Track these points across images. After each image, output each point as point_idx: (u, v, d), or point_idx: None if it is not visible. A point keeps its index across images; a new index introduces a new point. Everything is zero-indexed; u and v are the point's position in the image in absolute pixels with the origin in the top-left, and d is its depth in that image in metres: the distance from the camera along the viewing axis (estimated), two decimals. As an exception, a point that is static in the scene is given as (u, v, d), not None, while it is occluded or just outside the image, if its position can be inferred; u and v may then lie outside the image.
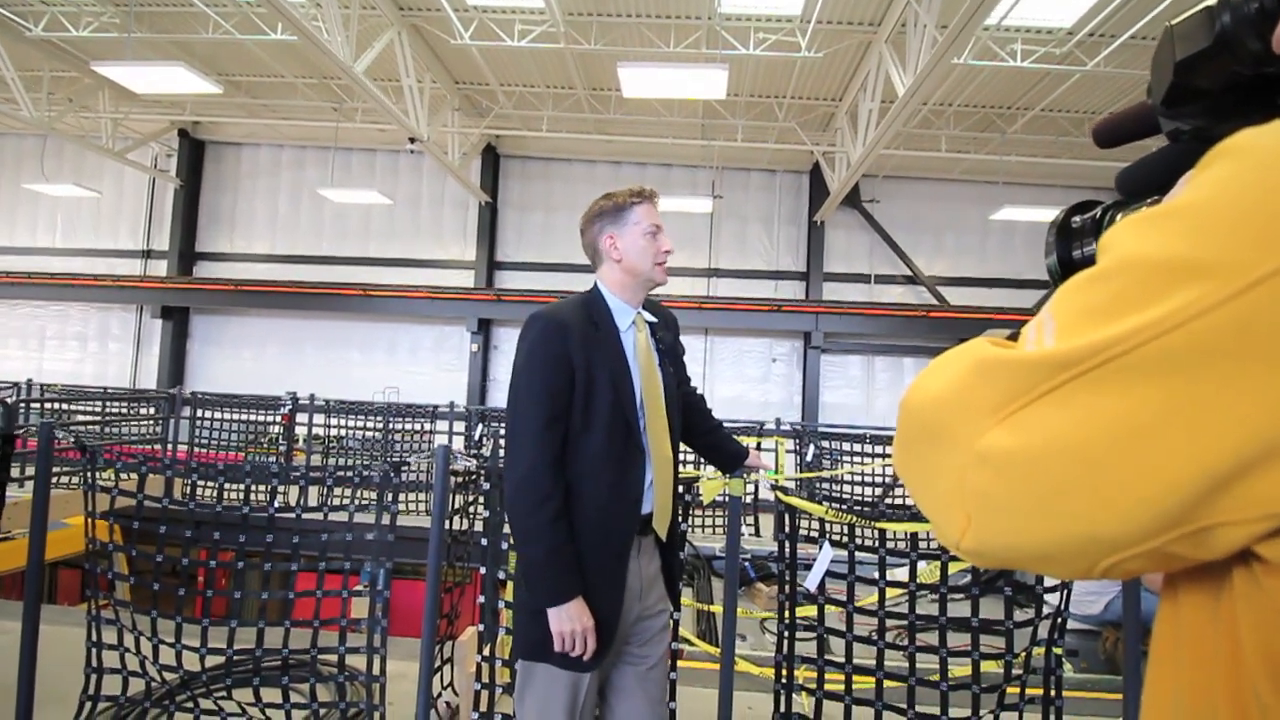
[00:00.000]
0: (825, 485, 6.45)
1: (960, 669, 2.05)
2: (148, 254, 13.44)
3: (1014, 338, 0.41)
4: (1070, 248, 0.55)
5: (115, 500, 2.26)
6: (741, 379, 12.52)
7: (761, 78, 9.80)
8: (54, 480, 5.52)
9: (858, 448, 6.57)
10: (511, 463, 1.55)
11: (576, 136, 11.32)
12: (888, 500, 6.65)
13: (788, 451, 6.52)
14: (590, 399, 1.57)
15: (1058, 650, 2.05)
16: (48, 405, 7.81)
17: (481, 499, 2.35)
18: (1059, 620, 2.04)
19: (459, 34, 8.22)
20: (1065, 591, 2.04)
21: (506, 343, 12.80)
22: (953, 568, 2.04)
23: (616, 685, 1.66)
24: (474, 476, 2.38)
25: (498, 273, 12.91)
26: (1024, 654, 2.03)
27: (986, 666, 2.02)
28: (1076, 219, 0.56)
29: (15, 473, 4.79)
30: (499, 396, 12.52)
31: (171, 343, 12.92)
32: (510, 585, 2.24)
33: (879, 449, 6.59)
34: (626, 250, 1.70)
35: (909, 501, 6.86)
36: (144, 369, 13.28)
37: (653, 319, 1.78)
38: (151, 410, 7.99)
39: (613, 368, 1.61)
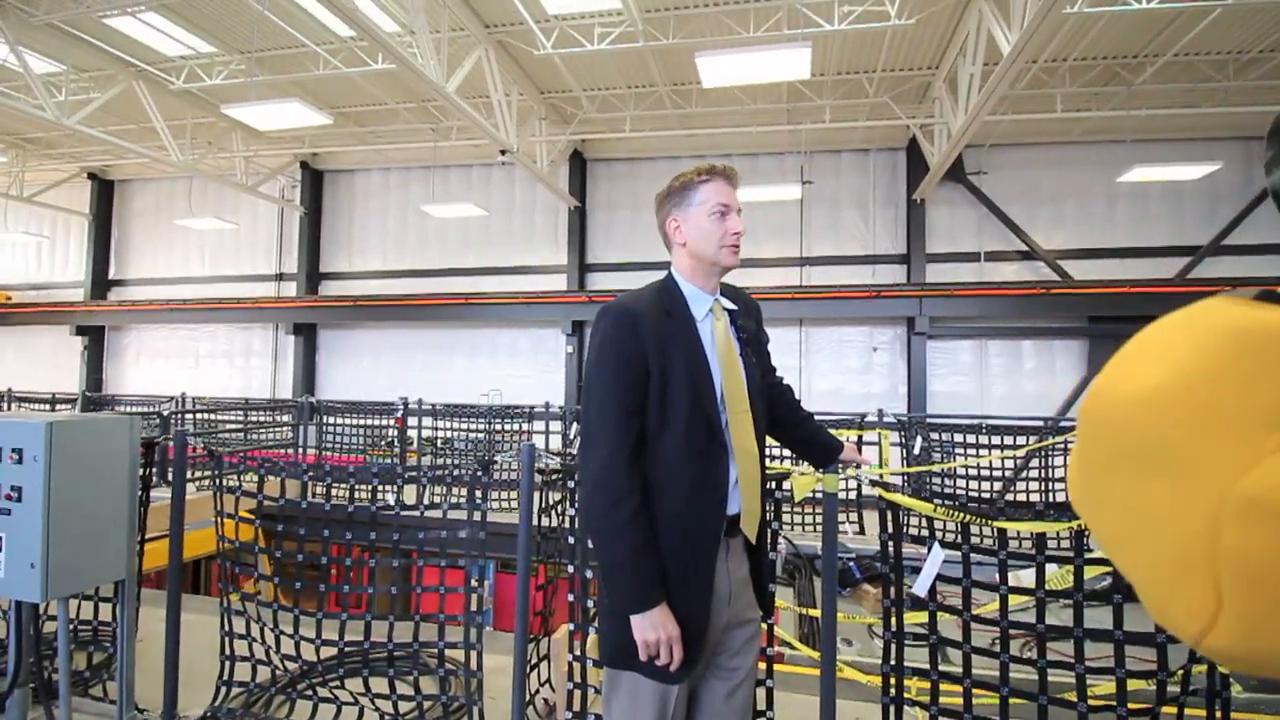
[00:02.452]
0: (936, 480, 6.03)
1: (1102, 687, 1.80)
2: (280, 277, 14.79)
3: (1270, 297, 0.26)
4: None
5: (239, 500, 2.46)
6: (841, 370, 12.01)
7: (849, 53, 9.33)
8: (203, 482, 6.19)
9: (971, 439, 6.10)
10: (586, 461, 1.49)
11: (660, 134, 11.29)
12: (1008, 496, 6.13)
13: (892, 444, 6.15)
14: (666, 393, 1.48)
15: (1224, 669, 1.76)
16: (198, 416, 8.76)
17: (569, 496, 2.35)
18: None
19: (541, 44, 8.41)
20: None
21: (600, 343, 12.96)
22: (1089, 571, 1.79)
23: (703, 701, 1.55)
24: (559, 475, 2.38)
25: (589, 274, 13.14)
26: (1181, 671, 1.76)
27: (1134, 685, 1.77)
28: None
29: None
30: (595, 396, 12.70)
31: (303, 356, 14.15)
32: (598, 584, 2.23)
33: (995, 440, 6.09)
34: (690, 233, 1.61)
35: (1033, 496, 6.29)
36: (281, 380, 14.62)
37: (732, 306, 1.68)
38: (286, 418, 8.77)
39: (689, 359, 1.51)
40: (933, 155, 10.28)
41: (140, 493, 2.25)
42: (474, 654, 2.24)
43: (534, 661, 2.44)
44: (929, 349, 11.42)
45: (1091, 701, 1.76)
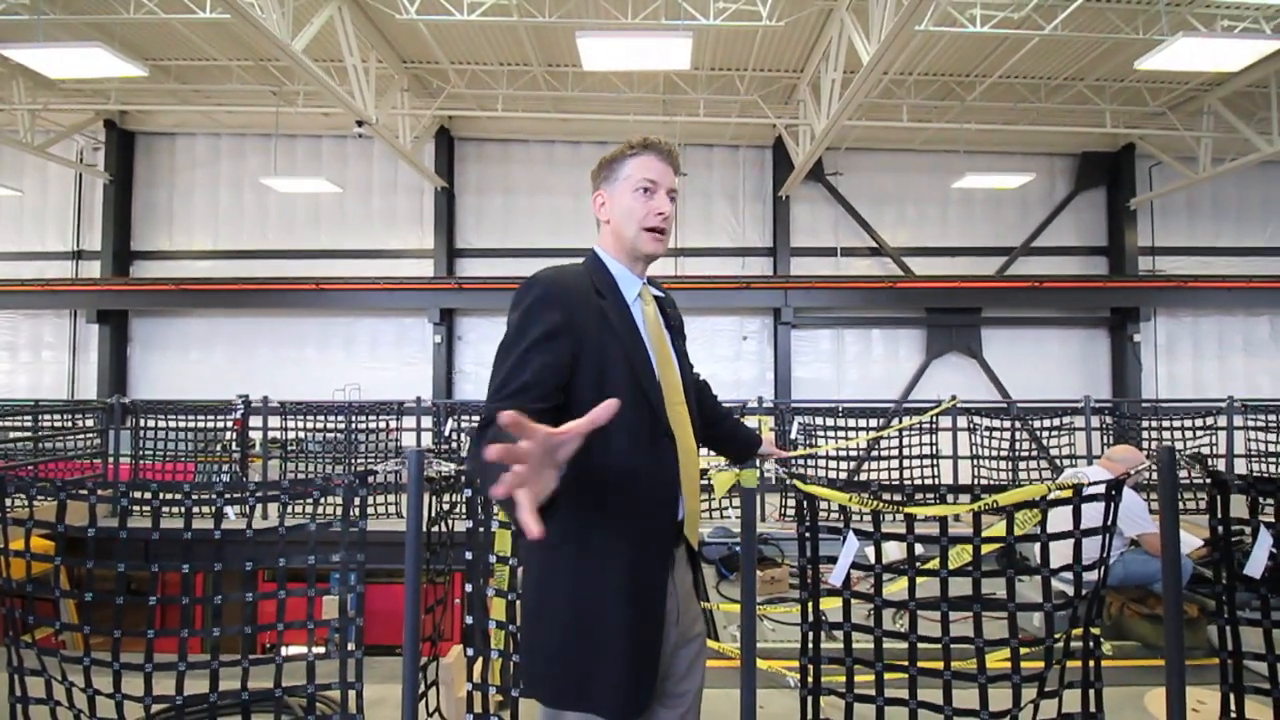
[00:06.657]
0: (806, 463, 6.34)
1: (997, 654, 1.91)
2: (79, 255, 12.59)
3: None
4: None
5: (31, 532, 1.94)
6: (713, 358, 12.38)
7: (722, 49, 9.55)
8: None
9: (830, 421, 6.45)
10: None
11: (533, 116, 10.91)
12: (861, 475, 6.59)
13: (770, 429, 6.40)
14: (605, 381, 1.29)
15: (1095, 629, 1.92)
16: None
17: (463, 505, 2.11)
18: (1098, 597, 1.91)
19: (404, 8, 7.74)
20: (1103, 570, 1.91)
21: (471, 332, 12.42)
22: (985, 548, 1.88)
23: None
24: (452, 480, 2.13)
25: (458, 260, 12.47)
26: (1063, 637, 1.89)
27: (1022, 651, 1.88)
28: None
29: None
30: (467, 389, 12.15)
31: (110, 348, 12.16)
32: (501, 603, 2.01)
33: (852, 421, 6.51)
34: (613, 210, 1.46)
35: (894, 477, 6.81)
36: (83, 378, 12.48)
37: (659, 293, 1.55)
38: (89, 422, 7.42)
39: (627, 342, 1.34)
40: (797, 155, 10.83)
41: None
42: (352, 694, 1.94)
43: (422, 690, 2.17)
44: (793, 337, 12.10)
45: (990, 672, 1.85)
